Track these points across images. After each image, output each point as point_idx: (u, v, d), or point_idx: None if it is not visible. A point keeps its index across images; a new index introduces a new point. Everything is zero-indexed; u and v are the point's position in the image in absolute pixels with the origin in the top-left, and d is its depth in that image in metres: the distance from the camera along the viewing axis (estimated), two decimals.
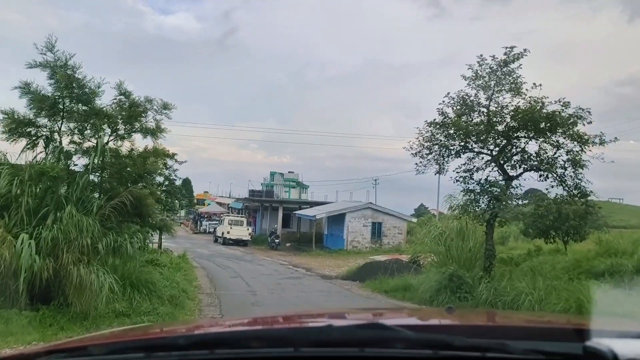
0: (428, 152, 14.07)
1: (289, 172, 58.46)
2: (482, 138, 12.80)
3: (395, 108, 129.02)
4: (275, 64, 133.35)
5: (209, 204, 62.65)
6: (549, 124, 12.14)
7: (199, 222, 50.36)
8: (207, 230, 48.75)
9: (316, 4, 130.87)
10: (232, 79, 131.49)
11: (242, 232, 38.18)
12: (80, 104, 10.84)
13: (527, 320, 2.51)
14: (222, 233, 38.54)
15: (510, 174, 13.45)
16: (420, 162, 14.27)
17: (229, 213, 46.15)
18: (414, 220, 37.44)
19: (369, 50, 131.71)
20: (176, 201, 23.04)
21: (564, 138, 12.50)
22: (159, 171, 23.34)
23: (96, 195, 11.34)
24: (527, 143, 12.85)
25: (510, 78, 12.55)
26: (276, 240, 35.38)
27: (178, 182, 22.55)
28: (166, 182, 22.46)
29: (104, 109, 11.33)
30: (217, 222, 45.97)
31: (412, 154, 14.56)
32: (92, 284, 8.85)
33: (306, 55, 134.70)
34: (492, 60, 12.37)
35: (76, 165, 11.17)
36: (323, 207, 37.64)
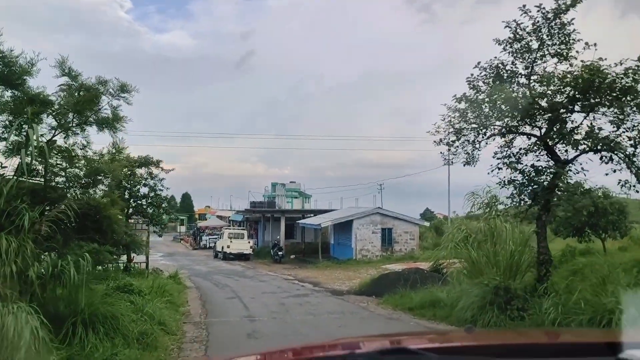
0: (456, 136, 11.33)
1: (291, 182, 55.80)
2: (528, 114, 10.04)
3: (395, 115, 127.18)
4: (274, 78, 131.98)
5: (209, 218, 59.87)
6: (615, 93, 9.39)
7: (198, 238, 47.57)
8: (208, 246, 45.94)
9: (311, 17, 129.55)
10: (230, 94, 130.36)
11: (243, 245, 35.38)
12: (7, 87, 8.13)
13: (555, 337, 2.40)
14: (222, 248, 35.75)
15: (562, 157, 10.67)
16: (449, 151, 11.55)
17: (229, 226, 43.34)
18: (426, 224, 34.62)
19: (365, 59, 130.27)
20: (164, 215, 20.34)
21: (632, 109, 9.74)
22: (135, 179, 20.81)
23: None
24: (586, 117, 10.09)
25: (561, 36, 9.83)
26: (279, 253, 32.56)
27: (165, 193, 19.92)
28: (151, 194, 19.78)
29: (43, 94, 8.61)
30: (217, 236, 43.22)
31: (435, 142, 11.85)
32: (7, 329, 6.09)
33: (304, 68, 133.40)
34: (539, 11, 9.65)
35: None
36: (328, 214, 34.86)
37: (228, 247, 34.95)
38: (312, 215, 37.22)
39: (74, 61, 8.58)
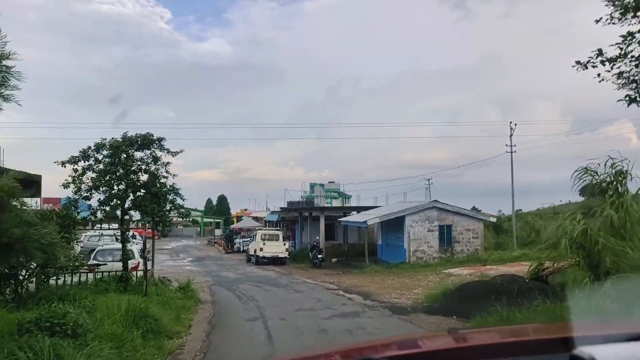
0: None
1: (330, 182, 51.06)
2: None
3: (434, 115, 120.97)
4: (311, 82, 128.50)
5: (244, 220, 55.70)
6: None
7: (231, 240, 43.28)
8: (241, 249, 41.56)
9: (345, 20, 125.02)
10: (269, 99, 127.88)
11: (278, 248, 30.67)
12: None
13: (513, 334, 2.34)
14: (255, 251, 31.18)
15: None
16: None
17: (263, 227, 38.75)
18: (493, 219, 28.98)
19: (402, 59, 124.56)
20: (172, 210, 15.78)
21: None
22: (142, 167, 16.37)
23: None
24: None
25: None
26: (319, 256, 27.66)
27: (171, 181, 15.32)
28: (157, 184, 15.24)
29: None
30: (250, 239, 38.87)
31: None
32: None
33: (339, 70, 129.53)
34: None
35: None
36: (374, 211, 29.73)
37: (261, 249, 30.34)
38: (355, 212, 32.13)
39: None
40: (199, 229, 75.73)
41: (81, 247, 35.41)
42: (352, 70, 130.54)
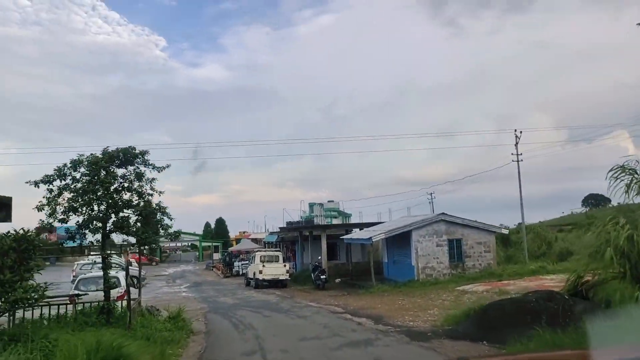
0: None
1: (329, 201, 49.55)
2: None
3: (430, 130, 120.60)
4: (306, 102, 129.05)
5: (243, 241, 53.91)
6: None
7: (229, 264, 41.49)
8: (240, 273, 39.83)
9: (338, 41, 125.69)
10: (265, 122, 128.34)
11: (278, 269, 28.99)
12: None
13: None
14: (254, 274, 29.49)
15: None
16: None
17: (262, 248, 37.02)
18: (505, 230, 27.40)
19: (395, 77, 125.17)
20: (161, 231, 14.18)
21: None
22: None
23: None
24: None
25: None
26: (322, 277, 25.96)
27: (157, 200, 13.74)
28: (141, 203, 13.74)
29: None
30: (249, 261, 37.21)
31: None
32: None
33: (334, 90, 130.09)
34: None
35: None
36: (378, 227, 28.14)
37: (260, 272, 28.65)
38: (357, 230, 30.53)
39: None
40: (197, 254, 73.79)
41: (72, 276, 33.50)
42: (346, 89, 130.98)
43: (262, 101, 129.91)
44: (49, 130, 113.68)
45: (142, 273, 37.06)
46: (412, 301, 18.25)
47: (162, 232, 14.30)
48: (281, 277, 28.84)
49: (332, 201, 50.62)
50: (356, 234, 28.12)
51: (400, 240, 25.62)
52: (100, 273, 14.99)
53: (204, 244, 71.28)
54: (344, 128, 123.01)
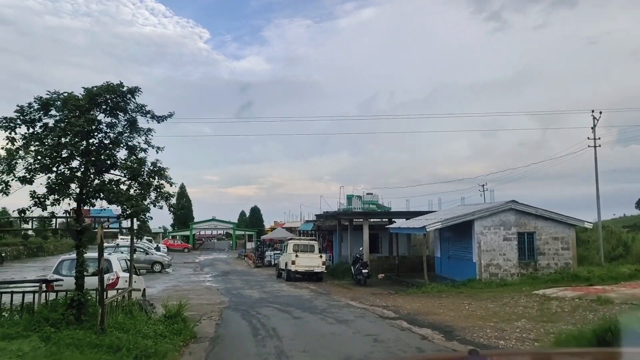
0: None
1: (368, 193, 45.50)
2: None
3: (470, 128, 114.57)
4: (345, 97, 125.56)
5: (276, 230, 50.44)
6: None
7: (261, 253, 38.07)
8: (272, 263, 36.39)
9: (379, 35, 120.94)
10: (305, 115, 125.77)
11: (313, 260, 25.24)
12: None
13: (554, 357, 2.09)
14: (286, 264, 25.86)
15: None
16: None
17: (296, 237, 33.28)
18: (588, 224, 22.60)
19: (437, 72, 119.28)
20: (162, 201, 10.56)
21: None
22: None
23: None
24: None
25: None
26: (364, 271, 22.00)
27: (152, 157, 10.10)
28: (132, 158, 10.19)
29: None
30: (281, 251, 33.73)
31: None
32: None
33: (374, 85, 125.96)
34: None
35: None
36: (431, 216, 23.90)
37: (293, 263, 24.97)
38: (404, 219, 26.36)
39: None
40: (231, 242, 71.27)
41: None
42: (387, 84, 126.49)
43: (301, 94, 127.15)
44: None
45: (168, 259, 34.07)
46: (482, 307, 14.08)
47: (161, 202, 10.67)
48: (316, 270, 25.08)
49: (371, 194, 46.45)
50: (405, 223, 23.90)
51: (458, 232, 21.35)
52: (94, 254, 11.53)
53: (238, 232, 68.54)
54: (383, 123, 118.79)
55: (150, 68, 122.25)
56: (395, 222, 27.58)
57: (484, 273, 19.84)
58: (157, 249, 42.61)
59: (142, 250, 33.19)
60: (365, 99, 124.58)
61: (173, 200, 10.88)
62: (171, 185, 10.48)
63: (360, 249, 24.54)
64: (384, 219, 30.84)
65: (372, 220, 27.07)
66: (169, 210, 11.01)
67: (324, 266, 25.48)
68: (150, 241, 50.79)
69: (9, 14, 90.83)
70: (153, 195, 10.47)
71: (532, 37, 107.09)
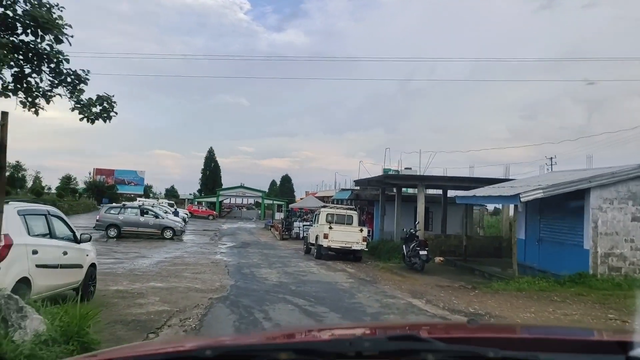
0: None
1: (406, 168, 39.19)
2: None
3: (510, 110, 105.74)
4: (383, 72, 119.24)
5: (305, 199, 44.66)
6: None
7: (289, 224, 32.48)
8: (301, 235, 30.84)
9: (420, 9, 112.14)
10: (341, 90, 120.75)
11: (351, 235, 19.43)
12: None
13: (564, 332, 2.22)
14: (316, 238, 20.16)
15: None
16: None
17: (329, 205, 27.28)
18: None
19: (478, 50, 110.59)
20: (58, 86, 4.99)
21: None
22: None
23: None
24: None
25: None
26: (422, 253, 15.85)
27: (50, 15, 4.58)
28: None
29: None
30: (312, 221, 28.16)
31: None
32: None
33: (413, 61, 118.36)
34: None
35: None
36: (518, 183, 17.38)
37: (325, 237, 19.22)
38: (476, 187, 19.87)
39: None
40: (260, 212, 66.40)
41: (96, 221, 25.93)
42: (426, 61, 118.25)
43: (339, 69, 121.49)
44: (141, 88, 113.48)
45: (181, 225, 28.81)
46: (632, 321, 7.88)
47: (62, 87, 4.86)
48: (354, 246, 19.27)
49: (410, 168, 40.26)
50: (483, 191, 17.28)
51: (558, 207, 14.98)
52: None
53: (267, 201, 63.42)
54: (420, 101, 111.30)
55: (192, 37, 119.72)
56: (466, 187, 21.31)
57: (600, 266, 13.49)
58: (176, 213, 37.75)
59: (152, 213, 28.14)
60: (404, 76, 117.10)
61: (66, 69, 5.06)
62: (66, 39, 4.66)
63: (417, 222, 18.43)
64: (437, 190, 24.64)
65: (428, 186, 20.75)
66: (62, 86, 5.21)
67: (365, 243, 19.59)
68: (172, 205, 46.12)
69: None
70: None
71: (580, 17, 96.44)
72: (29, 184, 47.69)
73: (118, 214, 27.60)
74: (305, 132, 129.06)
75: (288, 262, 18.64)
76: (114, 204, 33.15)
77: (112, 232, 26.98)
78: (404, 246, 17.04)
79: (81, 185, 61.12)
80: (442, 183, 20.11)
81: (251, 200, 79.31)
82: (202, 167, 71.30)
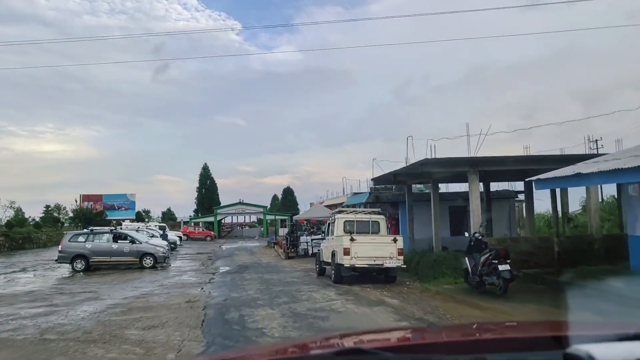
0: None
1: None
2: None
3: (508, 110, 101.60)
4: (378, 83, 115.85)
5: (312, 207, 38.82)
6: None
7: (294, 240, 26.73)
8: (309, 252, 25.20)
9: (411, 19, 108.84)
10: (336, 103, 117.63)
11: (382, 248, 13.84)
12: None
13: (508, 330, 2.15)
14: (333, 255, 14.58)
15: None
16: None
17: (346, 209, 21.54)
18: None
19: (471, 54, 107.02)
20: None
21: None
22: None
23: None
24: None
25: None
26: (501, 269, 10.17)
27: None
28: None
29: None
30: (323, 234, 22.62)
31: None
32: None
33: (408, 70, 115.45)
34: None
35: None
36: (610, 156, 11.84)
37: (346, 253, 13.64)
38: (559, 166, 14.06)
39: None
40: (262, 229, 60.76)
41: (59, 252, 21.24)
42: (420, 68, 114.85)
43: (333, 83, 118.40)
44: (136, 115, 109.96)
45: (164, 250, 23.02)
46: None
47: None
48: (388, 263, 13.66)
49: None
50: (583, 166, 11.17)
51: None
52: None
53: (269, 217, 57.72)
54: (417, 109, 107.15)
55: (185, 62, 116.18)
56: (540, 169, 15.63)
57: None
58: (164, 236, 32.15)
59: (127, 238, 22.53)
60: (398, 85, 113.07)
61: None
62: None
63: (481, 224, 12.66)
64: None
65: (483, 170, 14.98)
66: None
67: (402, 257, 13.91)
68: (163, 228, 40.45)
69: (50, 15, 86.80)
70: None
71: (567, 14, 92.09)
72: (2, 216, 42.38)
73: (85, 241, 22.05)
74: (303, 147, 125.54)
75: (297, 292, 12.98)
76: (80, 231, 27.46)
77: (79, 265, 21.54)
78: (466, 259, 11.34)
79: (71, 215, 55.95)
80: (507, 167, 14.25)
81: (253, 218, 73.74)
82: (197, 185, 65.76)
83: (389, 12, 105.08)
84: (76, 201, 55.46)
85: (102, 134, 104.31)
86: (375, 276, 14.65)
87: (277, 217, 54.97)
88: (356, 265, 13.62)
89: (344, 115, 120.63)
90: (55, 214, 53.68)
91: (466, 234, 12.13)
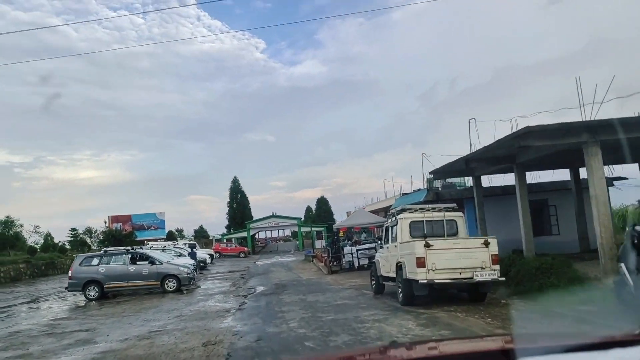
0: None
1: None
2: None
3: (538, 109, 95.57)
4: (405, 90, 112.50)
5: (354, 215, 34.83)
6: None
7: (336, 251, 22.86)
8: (356, 264, 21.35)
9: (434, 24, 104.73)
10: (365, 113, 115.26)
11: (470, 255, 9.89)
12: None
13: (459, 345, 2.18)
14: (400, 268, 10.73)
15: None
16: None
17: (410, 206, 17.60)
18: None
19: (497, 55, 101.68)
20: None
21: None
22: None
23: None
24: None
25: None
26: None
27: None
28: None
29: None
30: (374, 243, 18.79)
31: None
32: None
33: (434, 75, 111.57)
34: None
35: None
36: None
37: (421, 264, 9.78)
38: None
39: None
40: (297, 243, 57.24)
41: (69, 276, 17.92)
42: (446, 73, 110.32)
43: (359, 93, 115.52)
44: (168, 138, 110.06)
45: (188, 271, 19.68)
46: None
47: None
48: (479, 276, 9.72)
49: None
50: None
51: None
52: None
53: (303, 229, 54.12)
54: (445, 113, 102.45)
55: (212, 83, 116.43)
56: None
57: None
58: (192, 255, 28.96)
59: (147, 259, 19.33)
60: (424, 91, 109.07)
61: None
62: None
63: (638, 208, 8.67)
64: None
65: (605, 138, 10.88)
66: None
67: (497, 267, 9.97)
68: (193, 247, 37.33)
69: (82, 46, 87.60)
70: None
71: (591, 6, 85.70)
72: (29, 240, 40.56)
73: (99, 264, 19.03)
74: (334, 159, 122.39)
75: (358, 322, 9.17)
76: (92, 253, 24.45)
77: (92, 292, 18.57)
78: (622, 265, 7.34)
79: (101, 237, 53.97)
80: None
81: (287, 232, 70.35)
82: (228, 199, 62.93)
83: (409, 19, 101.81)
84: (105, 223, 53.40)
85: (137, 158, 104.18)
86: (455, 294, 10.79)
87: (313, 228, 51.26)
88: (435, 281, 9.75)
89: (372, 124, 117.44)
90: (86, 237, 51.60)
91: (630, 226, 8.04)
